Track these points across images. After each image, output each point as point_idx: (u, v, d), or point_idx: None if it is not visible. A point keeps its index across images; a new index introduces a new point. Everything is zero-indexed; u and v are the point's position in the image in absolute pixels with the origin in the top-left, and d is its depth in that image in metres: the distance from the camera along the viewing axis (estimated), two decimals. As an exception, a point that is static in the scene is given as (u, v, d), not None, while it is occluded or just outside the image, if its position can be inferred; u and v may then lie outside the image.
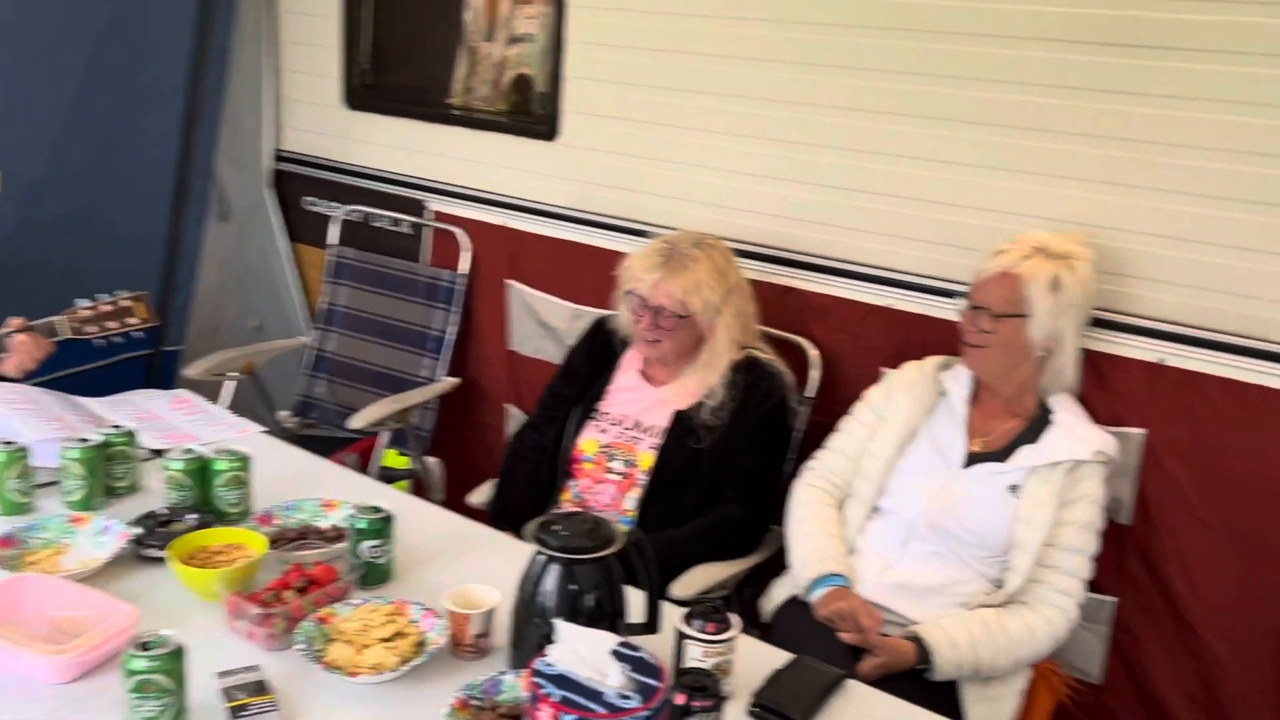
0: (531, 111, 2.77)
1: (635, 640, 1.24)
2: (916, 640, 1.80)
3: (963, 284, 2.02)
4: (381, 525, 1.63)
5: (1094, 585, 1.93)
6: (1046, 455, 1.88)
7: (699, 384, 2.14)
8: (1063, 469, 1.86)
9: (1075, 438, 1.90)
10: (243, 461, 1.79)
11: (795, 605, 1.97)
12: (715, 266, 2.13)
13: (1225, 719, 2.01)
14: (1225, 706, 2.01)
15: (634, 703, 1.11)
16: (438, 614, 1.48)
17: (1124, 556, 2.06)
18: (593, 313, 2.54)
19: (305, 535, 1.74)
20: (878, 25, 2.17)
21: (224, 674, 1.35)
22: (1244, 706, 1.98)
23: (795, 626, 1.91)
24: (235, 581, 1.53)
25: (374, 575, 1.63)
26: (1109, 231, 1.99)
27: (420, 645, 1.44)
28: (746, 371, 2.13)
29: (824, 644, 1.81)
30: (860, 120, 2.24)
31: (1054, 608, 1.85)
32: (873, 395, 2.10)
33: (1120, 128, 1.95)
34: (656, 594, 1.46)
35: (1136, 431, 2.01)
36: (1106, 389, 2.03)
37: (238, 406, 2.54)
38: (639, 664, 1.17)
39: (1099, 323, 2.01)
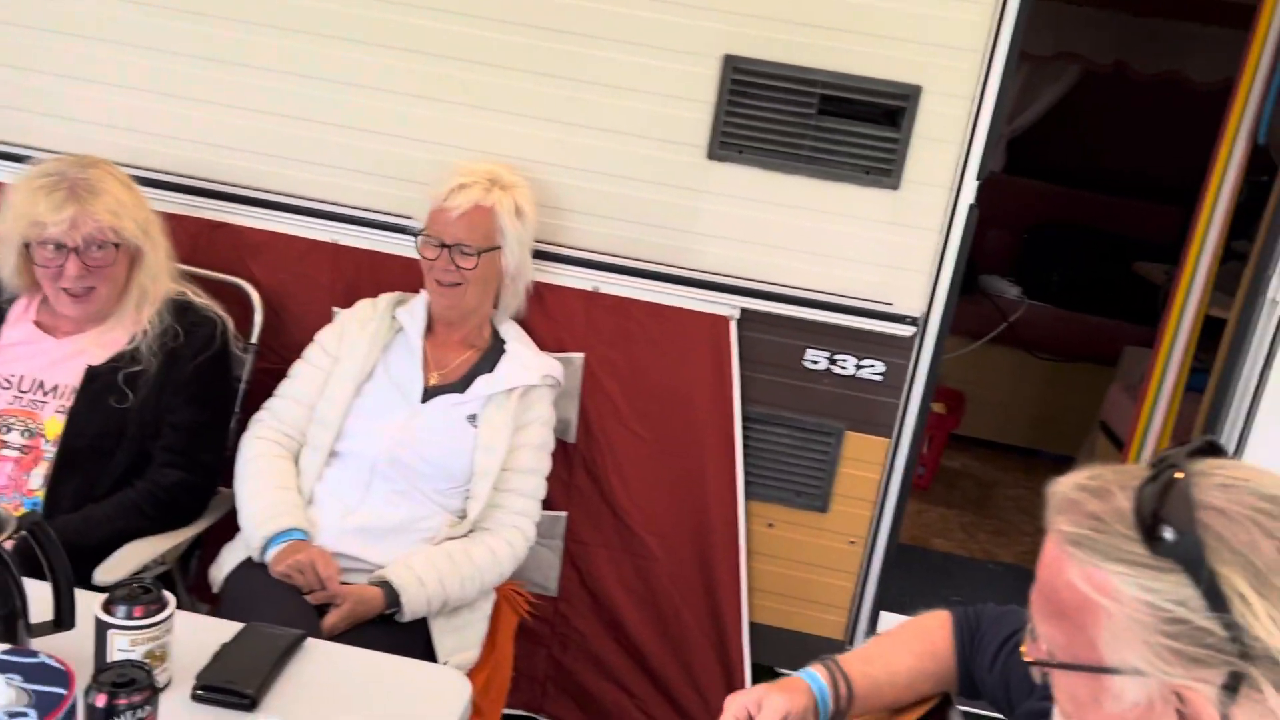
0: None
1: (39, 643, 1.02)
2: (385, 585, 1.75)
3: (407, 218, 1.97)
4: None
5: (548, 503, 2.03)
6: (502, 383, 1.92)
7: (124, 330, 1.85)
8: (516, 395, 1.93)
9: (525, 365, 1.97)
10: None
11: (250, 569, 1.82)
12: (122, 183, 1.86)
13: (659, 606, 2.26)
14: (658, 595, 2.25)
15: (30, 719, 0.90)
16: None
17: (572, 473, 2.20)
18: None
19: None
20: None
21: None
22: (674, 592, 2.24)
23: (251, 592, 1.77)
24: None
25: None
26: (545, 166, 2.07)
27: None
28: (178, 316, 1.89)
29: (285, 606, 1.70)
30: (292, 41, 2.07)
31: (513, 529, 1.92)
32: (324, 336, 2.00)
33: (547, 63, 2.03)
34: (67, 584, 1.23)
35: (577, 355, 2.14)
36: (549, 317, 2.13)
37: None
38: (35, 671, 0.96)
39: (541, 255, 2.09)
